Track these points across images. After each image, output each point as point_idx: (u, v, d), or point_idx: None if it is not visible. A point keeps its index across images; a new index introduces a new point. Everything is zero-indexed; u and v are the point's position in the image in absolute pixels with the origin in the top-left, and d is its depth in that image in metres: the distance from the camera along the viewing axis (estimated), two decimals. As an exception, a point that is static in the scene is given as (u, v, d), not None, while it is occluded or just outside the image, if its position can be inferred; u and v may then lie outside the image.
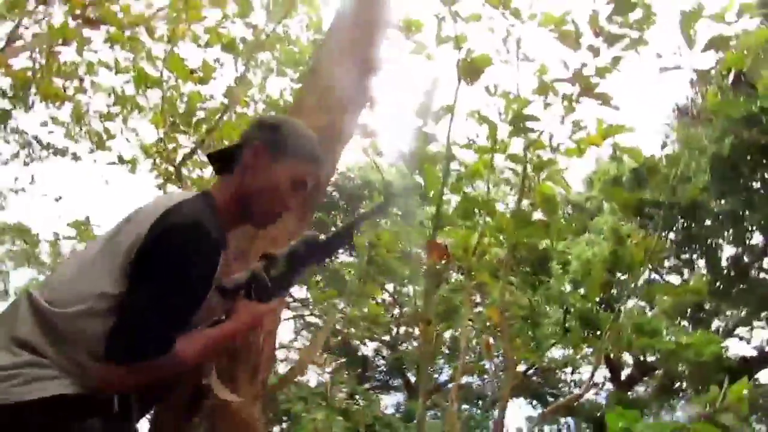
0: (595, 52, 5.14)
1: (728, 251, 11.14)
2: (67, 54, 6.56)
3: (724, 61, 4.56)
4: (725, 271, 10.76)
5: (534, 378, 13.68)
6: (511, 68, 5.32)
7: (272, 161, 1.46)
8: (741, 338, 11.79)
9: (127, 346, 1.22)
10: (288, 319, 13.17)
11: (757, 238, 10.40)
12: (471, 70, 5.06)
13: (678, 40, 4.38)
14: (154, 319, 1.24)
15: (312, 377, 11.01)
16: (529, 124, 5.02)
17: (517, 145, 5.84)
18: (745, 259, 10.90)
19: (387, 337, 14.43)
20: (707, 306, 10.64)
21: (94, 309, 1.23)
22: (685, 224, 10.73)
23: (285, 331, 13.52)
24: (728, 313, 11.30)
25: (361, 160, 14.08)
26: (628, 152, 5.55)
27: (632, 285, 5.91)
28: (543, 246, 8.31)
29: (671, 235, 11.54)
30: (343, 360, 11.82)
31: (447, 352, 12.34)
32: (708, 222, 10.52)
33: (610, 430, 3.31)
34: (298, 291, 12.60)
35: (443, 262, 5.26)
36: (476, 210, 5.93)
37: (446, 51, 5.61)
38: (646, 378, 12.80)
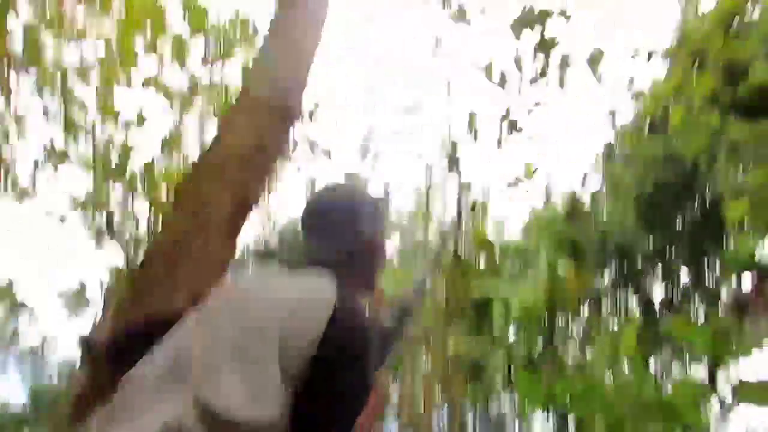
0: (520, 91, 5.47)
1: (659, 289, 11.61)
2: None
3: (634, 104, 4.94)
4: (657, 309, 11.17)
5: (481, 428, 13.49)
6: (443, 110, 5.56)
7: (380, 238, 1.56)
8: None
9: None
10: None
11: (684, 276, 10.90)
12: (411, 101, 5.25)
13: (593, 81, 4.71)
14: (353, 414, 1.25)
15: None
16: (462, 162, 5.20)
17: (451, 189, 6.02)
18: (675, 297, 11.37)
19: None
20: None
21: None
22: (618, 264, 11.15)
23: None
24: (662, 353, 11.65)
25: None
26: (556, 193, 5.83)
27: (570, 321, 6.04)
28: (485, 290, 8.42)
29: (605, 276, 11.96)
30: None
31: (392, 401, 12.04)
32: (638, 261, 10.97)
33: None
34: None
35: (380, 308, 5.20)
36: (414, 254, 6.00)
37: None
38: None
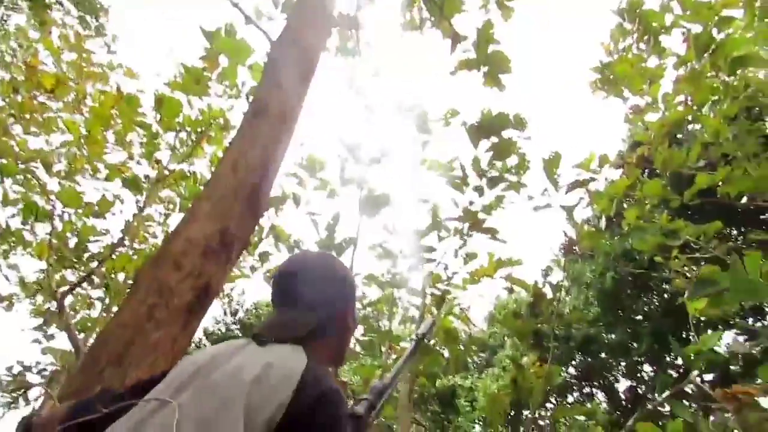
0: (480, 191, 5.70)
1: (624, 383, 11.61)
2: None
3: (589, 202, 5.19)
4: (623, 402, 11.09)
5: None
6: (408, 208, 5.73)
7: (351, 312, 1.51)
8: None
9: None
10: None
11: (647, 368, 10.97)
12: (371, 206, 5.38)
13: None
14: None
15: None
16: (426, 255, 5.29)
17: (416, 281, 6.07)
18: (639, 390, 11.35)
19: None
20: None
21: None
22: (582, 358, 11.16)
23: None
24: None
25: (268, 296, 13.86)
26: (518, 283, 5.92)
27: (534, 413, 5.94)
28: (450, 383, 8.27)
29: (571, 370, 11.92)
30: None
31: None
32: (603, 355, 11.02)
33: None
34: None
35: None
36: (379, 344, 5.91)
37: (348, 189, 5.95)
38: None
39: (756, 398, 2.59)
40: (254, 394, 1.18)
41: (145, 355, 1.69)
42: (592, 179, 5.11)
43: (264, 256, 5.41)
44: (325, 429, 1.18)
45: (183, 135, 5.95)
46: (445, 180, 5.57)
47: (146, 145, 5.98)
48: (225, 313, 13.94)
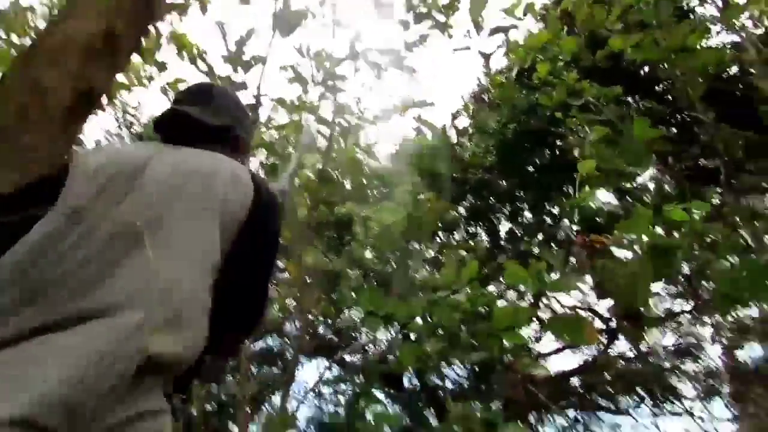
0: (405, 26, 5.46)
1: (506, 226, 12.75)
2: None
3: (506, 52, 5.19)
4: (502, 243, 12.29)
5: (333, 339, 14.23)
6: (325, 32, 5.40)
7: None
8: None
9: (261, 314, 1.29)
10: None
11: (527, 215, 12.05)
12: (285, 23, 5.01)
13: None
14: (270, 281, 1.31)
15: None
16: (339, 84, 5.15)
17: (326, 109, 5.97)
18: (518, 233, 12.56)
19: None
20: (486, 271, 12.07)
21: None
22: (474, 201, 11.97)
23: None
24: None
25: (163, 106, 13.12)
26: (427, 125, 6.03)
27: (425, 246, 6.46)
28: (347, 212, 8.63)
29: (462, 210, 12.82)
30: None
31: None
32: (492, 200, 11.87)
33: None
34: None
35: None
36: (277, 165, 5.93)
37: (263, 2, 5.45)
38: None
39: (609, 246, 2.98)
40: (232, 195, 1.18)
41: (18, 158, 1.58)
42: (514, 27, 5.03)
43: (163, 66, 5.00)
44: (276, 233, 1.31)
45: None
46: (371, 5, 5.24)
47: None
48: (119, 127, 13.10)
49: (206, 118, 1.41)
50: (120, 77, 4.76)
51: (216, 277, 1.09)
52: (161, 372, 0.95)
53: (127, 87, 4.88)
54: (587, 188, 3.95)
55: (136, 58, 4.80)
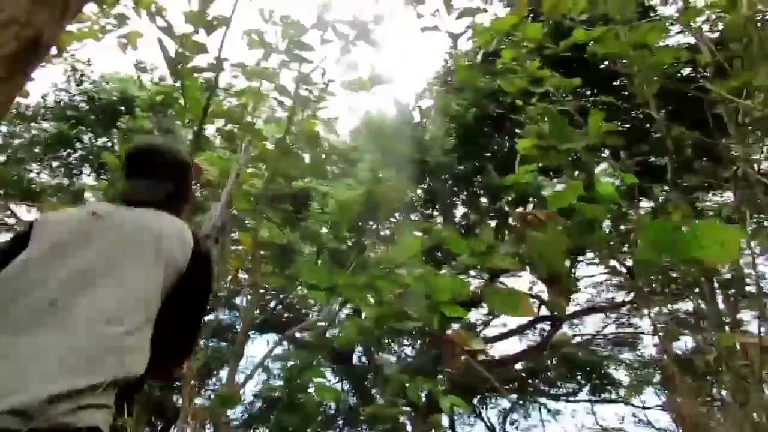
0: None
1: (461, 210, 12.92)
2: None
3: (474, 36, 5.18)
4: (456, 227, 12.45)
5: (284, 314, 14.17)
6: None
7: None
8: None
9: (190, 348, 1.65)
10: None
11: (483, 200, 12.24)
12: (251, -14, 4.86)
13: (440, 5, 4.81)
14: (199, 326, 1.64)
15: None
16: (304, 54, 5.04)
17: (288, 79, 5.86)
18: (473, 217, 12.75)
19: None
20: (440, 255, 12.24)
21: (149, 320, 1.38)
22: (432, 183, 12.06)
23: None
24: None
25: (120, 70, 12.59)
26: (392, 103, 6.00)
27: (381, 223, 6.48)
28: (304, 185, 8.54)
29: (419, 191, 12.91)
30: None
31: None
32: (449, 182, 11.98)
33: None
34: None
35: (196, 182, 5.07)
36: (240, 137, 5.81)
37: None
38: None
39: (542, 219, 3.16)
40: (175, 248, 1.49)
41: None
42: (483, 10, 5.03)
43: (121, 18, 4.78)
44: (209, 281, 1.61)
45: None
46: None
47: None
48: (68, 81, 12.49)
49: (152, 194, 1.70)
50: (72, 28, 4.53)
51: (156, 314, 1.39)
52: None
53: (79, 38, 4.64)
54: (526, 166, 4.12)
55: (91, 7, 4.57)
